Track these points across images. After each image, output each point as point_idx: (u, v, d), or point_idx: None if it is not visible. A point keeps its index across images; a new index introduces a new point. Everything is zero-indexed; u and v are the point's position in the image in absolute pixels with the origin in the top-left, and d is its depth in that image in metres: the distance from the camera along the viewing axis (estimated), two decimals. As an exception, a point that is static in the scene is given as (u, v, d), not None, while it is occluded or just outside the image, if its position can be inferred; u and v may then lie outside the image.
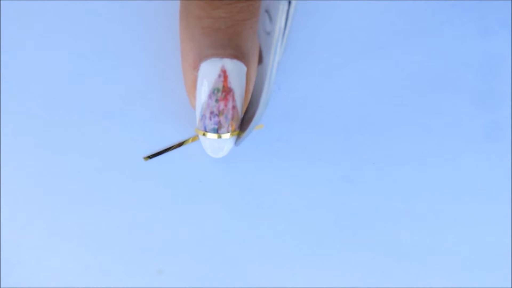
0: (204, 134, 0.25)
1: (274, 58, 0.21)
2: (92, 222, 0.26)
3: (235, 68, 0.24)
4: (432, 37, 0.28)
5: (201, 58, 0.24)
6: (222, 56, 0.24)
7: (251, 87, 0.25)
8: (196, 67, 0.24)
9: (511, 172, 0.27)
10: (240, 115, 0.25)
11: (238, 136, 0.25)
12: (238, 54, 0.24)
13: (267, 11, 0.21)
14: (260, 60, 0.23)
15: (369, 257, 0.26)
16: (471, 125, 0.28)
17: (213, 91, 0.24)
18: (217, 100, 0.24)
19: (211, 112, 0.24)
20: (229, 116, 0.24)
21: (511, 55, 0.28)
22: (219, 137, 0.25)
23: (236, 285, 0.26)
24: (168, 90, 0.27)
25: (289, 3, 0.20)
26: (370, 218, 0.27)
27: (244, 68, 0.24)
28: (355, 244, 0.27)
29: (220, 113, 0.24)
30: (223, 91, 0.24)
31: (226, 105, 0.24)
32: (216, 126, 0.24)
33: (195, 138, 0.27)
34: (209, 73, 0.24)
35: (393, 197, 0.27)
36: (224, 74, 0.24)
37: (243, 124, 0.25)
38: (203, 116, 0.25)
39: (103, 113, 0.27)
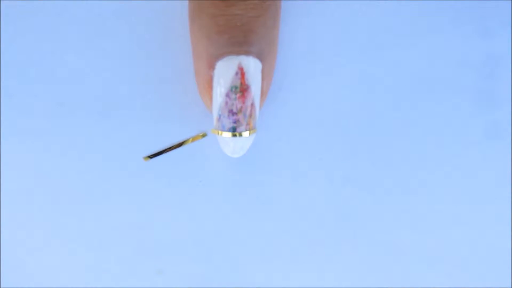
0: (220, 133, 0.24)
1: None
2: (92, 222, 0.26)
3: (251, 65, 0.24)
4: (432, 37, 0.28)
5: (217, 57, 0.24)
6: (238, 53, 0.24)
7: (265, 83, 0.25)
8: (212, 67, 0.24)
9: (511, 172, 0.27)
10: (258, 112, 0.25)
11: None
12: (254, 50, 0.24)
13: None
14: None
15: (369, 257, 0.26)
16: (471, 125, 0.28)
17: (231, 89, 0.24)
18: (235, 98, 0.24)
19: (230, 111, 0.24)
20: (247, 113, 0.24)
21: (511, 55, 0.28)
22: (235, 135, 0.24)
23: (236, 285, 0.26)
24: (168, 91, 0.27)
25: None
26: (370, 218, 0.27)
27: (259, 64, 0.24)
28: (355, 244, 0.27)
29: (238, 111, 0.24)
30: (241, 88, 0.24)
31: (244, 103, 0.24)
32: (234, 125, 0.24)
33: (196, 137, 0.27)
34: (226, 71, 0.24)
35: (393, 197, 0.27)
36: (241, 71, 0.24)
37: None
38: (221, 116, 0.24)
39: (103, 113, 0.27)
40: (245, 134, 0.24)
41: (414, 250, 0.27)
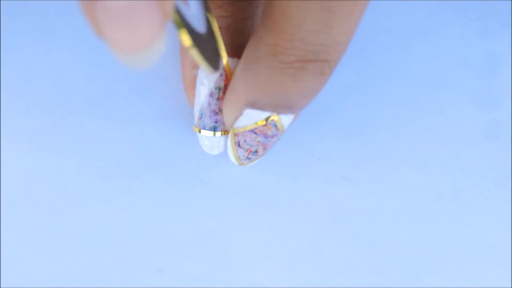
0: (199, 131, 0.25)
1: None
2: (92, 222, 0.26)
3: (236, 67, 0.24)
4: (432, 37, 0.28)
5: None
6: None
7: None
8: (195, 66, 0.25)
9: (511, 172, 0.27)
10: None
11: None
12: (238, 52, 0.24)
13: None
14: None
15: (369, 257, 0.26)
16: (471, 125, 0.28)
17: (215, 90, 0.24)
18: (218, 99, 0.24)
19: (212, 111, 0.24)
20: None
21: (511, 55, 0.28)
22: (215, 134, 0.25)
23: (236, 285, 0.26)
24: (168, 90, 0.27)
25: None
26: (370, 218, 0.27)
27: None
28: (355, 244, 0.27)
29: (220, 111, 0.24)
30: (225, 90, 0.24)
31: None
32: (216, 124, 0.24)
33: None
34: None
35: (393, 197, 0.27)
36: (225, 73, 0.24)
37: None
38: (202, 115, 0.25)
39: (103, 113, 0.27)
40: (225, 133, 0.25)
41: (414, 250, 0.27)
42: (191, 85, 0.25)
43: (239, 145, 0.24)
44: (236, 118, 0.23)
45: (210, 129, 0.25)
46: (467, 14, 0.28)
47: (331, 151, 0.27)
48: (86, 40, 0.28)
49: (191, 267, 0.26)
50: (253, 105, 0.22)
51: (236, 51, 0.24)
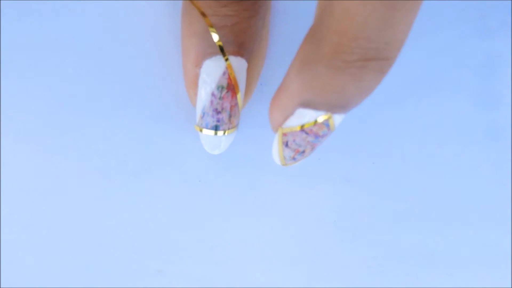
0: (201, 131, 0.25)
1: None
2: (92, 222, 0.26)
3: (239, 65, 0.24)
4: (432, 37, 0.28)
5: (204, 55, 0.24)
6: (227, 53, 0.24)
7: (252, 83, 0.25)
8: (198, 64, 0.24)
9: (511, 172, 0.27)
10: (240, 111, 0.25)
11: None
12: (242, 51, 0.24)
13: None
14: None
15: (369, 257, 0.26)
16: (471, 125, 0.28)
17: (217, 89, 0.24)
18: (220, 98, 0.24)
19: (214, 109, 0.24)
20: (232, 113, 0.24)
21: (511, 55, 0.28)
22: (216, 133, 0.25)
23: (236, 285, 0.26)
24: (168, 90, 0.27)
25: None
26: (370, 218, 0.27)
27: (245, 64, 0.24)
28: (355, 244, 0.27)
29: (223, 110, 0.24)
30: (228, 88, 0.24)
31: (229, 102, 0.24)
32: (218, 123, 0.24)
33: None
34: (213, 70, 0.24)
35: (393, 197, 0.27)
36: (228, 72, 0.24)
37: None
38: (205, 114, 0.24)
39: (103, 113, 0.27)
40: (227, 132, 0.25)
41: (414, 250, 0.27)
42: (193, 84, 0.25)
43: (286, 145, 0.23)
44: (287, 118, 0.22)
45: (211, 128, 0.25)
46: (467, 14, 0.28)
47: (331, 151, 0.27)
48: (86, 40, 0.28)
49: (191, 267, 0.26)
50: (307, 105, 0.22)
51: (240, 50, 0.24)
